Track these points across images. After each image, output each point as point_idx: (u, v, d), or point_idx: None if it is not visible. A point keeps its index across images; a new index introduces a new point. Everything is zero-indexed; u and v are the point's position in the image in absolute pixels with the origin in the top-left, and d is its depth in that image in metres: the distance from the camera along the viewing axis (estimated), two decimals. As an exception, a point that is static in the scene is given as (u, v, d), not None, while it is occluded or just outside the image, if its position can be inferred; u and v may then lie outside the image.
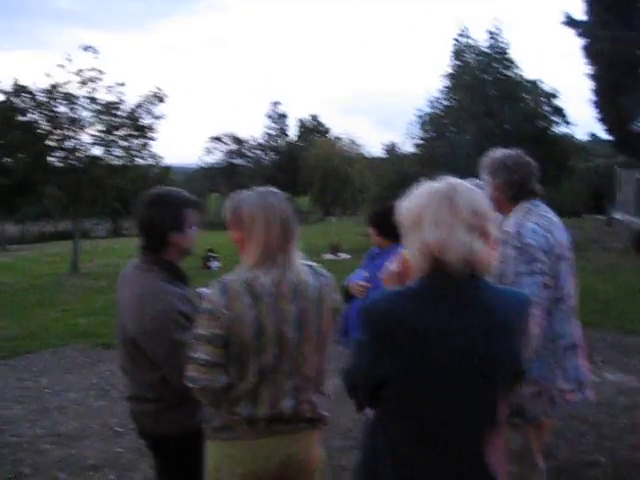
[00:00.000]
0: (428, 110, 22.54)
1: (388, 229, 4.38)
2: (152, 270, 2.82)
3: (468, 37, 21.88)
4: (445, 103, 22.60)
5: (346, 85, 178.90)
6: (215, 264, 17.69)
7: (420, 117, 22.73)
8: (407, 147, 25.37)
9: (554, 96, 21.61)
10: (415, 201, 1.98)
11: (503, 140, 19.78)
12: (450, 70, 22.49)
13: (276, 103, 64.40)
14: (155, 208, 2.81)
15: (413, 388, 1.89)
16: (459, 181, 1.99)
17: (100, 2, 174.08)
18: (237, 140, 62.93)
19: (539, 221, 3.29)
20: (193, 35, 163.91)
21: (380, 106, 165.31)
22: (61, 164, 19.51)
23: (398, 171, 21.56)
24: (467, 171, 15.44)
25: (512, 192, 3.44)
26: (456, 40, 22.08)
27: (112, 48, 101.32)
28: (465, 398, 1.89)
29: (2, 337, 10.37)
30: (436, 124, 22.17)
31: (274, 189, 2.53)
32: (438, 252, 1.88)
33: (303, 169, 50.51)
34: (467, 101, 20.40)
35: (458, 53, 22.23)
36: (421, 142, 22.90)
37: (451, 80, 22.50)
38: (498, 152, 3.57)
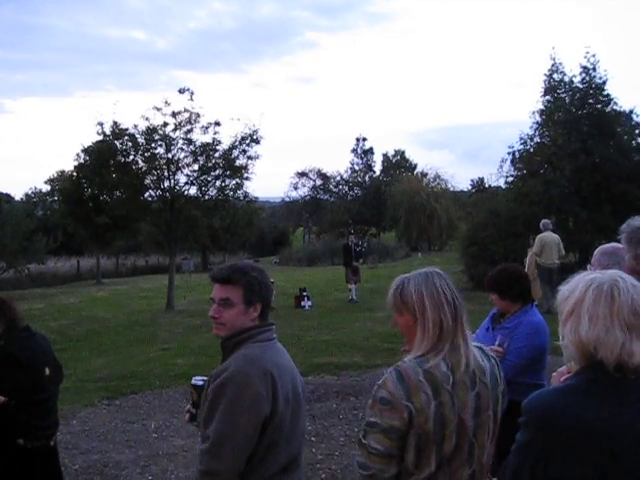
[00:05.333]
0: (519, 147, 22.15)
1: (510, 292, 4.29)
2: None
3: (561, 72, 21.46)
4: (537, 140, 22.17)
5: (429, 119, 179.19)
6: (308, 303, 17.69)
7: (511, 153, 22.33)
8: (496, 183, 25.00)
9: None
10: (574, 291, 1.94)
11: (600, 178, 19.26)
12: (541, 106, 22.06)
13: (361, 139, 64.67)
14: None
15: None
16: (622, 276, 1.94)
17: (195, 44, 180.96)
18: (322, 175, 63.52)
19: None
20: (282, 73, 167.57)
21: (464, 139, 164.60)
22: (157, 203, 20.07)
23: (489, 209, 21.25)
24: (561, 209, 15.00)
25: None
26: (548, 76, 21.68)
27: (206, 87, 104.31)
28: None
29: (107, 376, 10.68)
30: (528, 161, 21.73)
31: (437, 269, 2.47)
32: (593, 349, 1.85)
33: (389, 205, 50.58)
34: (562, 138, 19.94)
35: (550, 89, 21.80)
36: (512, 179, 22.46)
37: (542, 116, 22.07)
38: (637, 221, 3.44)
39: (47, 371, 4.25)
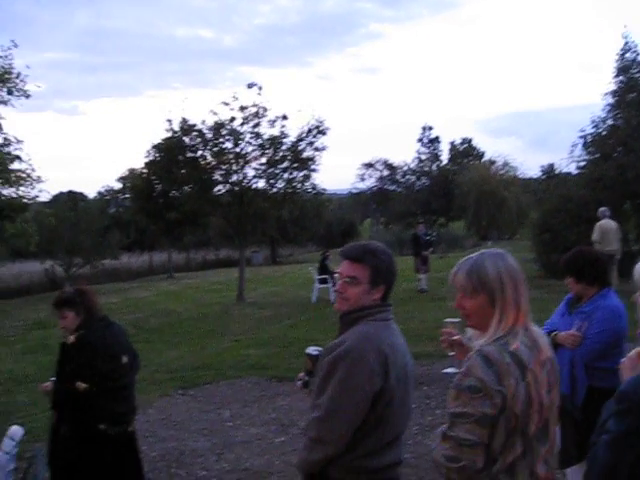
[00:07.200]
0: (591, 130, 21.54)
1: (587, 275, 4.18)
2: None
3: (634, 52, 20.79)
4: (609, 122, 21.52)
5: (496, 106, 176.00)
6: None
7: (583, 137, 21.73)
8: (567, 169, 24.37)
9: None
10: None
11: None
12: (614, 87, 21.40)
13: (428, 128, 64.00)
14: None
15: None
16: None
17: (261, 40, 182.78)
18: (389, 166, 63.14)
19: None
20: (347, 65, 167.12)
21: (532, 125, 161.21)
22: (227, 197, 20.32)
23: (560, 195, 20.76)
24: (637, 193, 14.49)
25: None
26: (621, 55, 21.03)
27: (272, 82, 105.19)
28: None
29: (180, 367, 10.90)
30: (600, 145, 21.11)
31: (500, 250, 2.43)
32: None
33: (457, 193, 49.90)
34: (636, 119, 19.30)
35: (623, 69, 21.13)
36: (584, 164, 21.87)
37: (615, 98, 21.41)
38: None
39: (124, 359, 4.37)
